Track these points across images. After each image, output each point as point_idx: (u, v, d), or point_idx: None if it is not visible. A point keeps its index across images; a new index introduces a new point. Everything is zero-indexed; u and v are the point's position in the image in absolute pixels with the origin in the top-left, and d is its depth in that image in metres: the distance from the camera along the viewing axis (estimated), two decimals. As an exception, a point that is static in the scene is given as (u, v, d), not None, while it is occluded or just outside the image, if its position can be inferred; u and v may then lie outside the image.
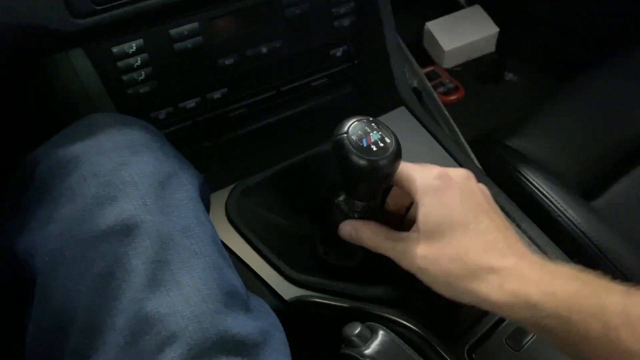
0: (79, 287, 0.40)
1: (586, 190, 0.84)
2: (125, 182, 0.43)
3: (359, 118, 0.50)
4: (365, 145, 0.48)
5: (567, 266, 0.45)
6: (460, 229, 0.46)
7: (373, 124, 0.50)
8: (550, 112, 0.92)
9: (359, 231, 0.53)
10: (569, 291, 0.42)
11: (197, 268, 0.42)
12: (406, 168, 0.50)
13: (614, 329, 0.39)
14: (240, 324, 0.41)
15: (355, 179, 0.51)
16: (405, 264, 0.49)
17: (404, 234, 0.50)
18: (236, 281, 0.45)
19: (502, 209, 0.57)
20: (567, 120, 0.91)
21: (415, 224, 0.49)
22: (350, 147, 0.48)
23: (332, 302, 0.56)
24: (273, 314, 0.47)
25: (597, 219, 0.75)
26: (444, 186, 0.48)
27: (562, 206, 0.74)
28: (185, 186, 0.46)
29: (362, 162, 0.48)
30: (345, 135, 0.49)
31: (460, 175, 0.50)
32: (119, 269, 0.40)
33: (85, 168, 0.44)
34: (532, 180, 0.78)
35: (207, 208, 0.50)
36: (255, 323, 0.43)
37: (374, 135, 0.49)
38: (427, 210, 0.47)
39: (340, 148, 0.49)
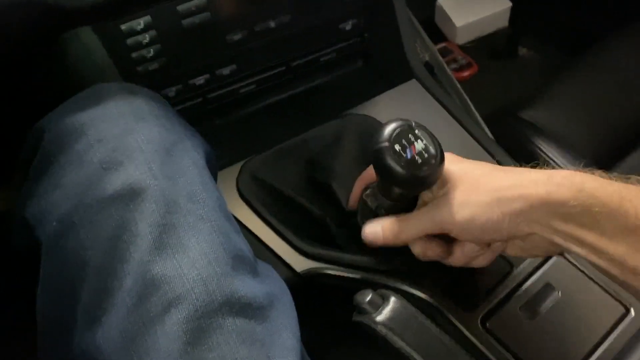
0: (87, 251, 0.41)
1: (600, 161, 0.82)
2: (131, 148, 0.43)
3: (401, 124, 0.47)
4: (409, 157, 0.46)
5: None
6: (489, 166, 0.47)
7: (417, 131, 0.47)
8: (563, 84, 0.91)
9: (386, 231, 0.51)
10: (622, 184, 0.42)
11: (203, 232, 0.42)
12: None
13: None
14: (248, 287, 0.41)
15: (396, 187, 0.49)
16: (444, 213, 0.46)
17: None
18: (243, 246, 0.45)
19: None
20: (580, 92, 0.90)
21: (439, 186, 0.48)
22: (394, 157, 0.45)
23: (344, 274, 0.56)
24: (280, 278, 0.48)
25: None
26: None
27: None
28: (190, 153, 0.46)
29: (407, 174, 0.45)
30: (387, 144, 0.46)
31: None
32: (125, 233, 0.40)
33: (91, 134, 0.44)
34: (546, 152, 0.77)
35: (215, 175, 0.50)
36: (262, 286, 0.43)
37: (418, 145, 0.46)
38: (450, 170, 0.47)
39: (382, 159, 0.46)
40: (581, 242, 0.42)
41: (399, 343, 0.43)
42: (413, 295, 0.54)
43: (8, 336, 0.75)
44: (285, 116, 0.72)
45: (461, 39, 1.34)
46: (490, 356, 0.52)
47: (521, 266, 0.57)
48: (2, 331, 0.76)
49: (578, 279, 0.57)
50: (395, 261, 0.56)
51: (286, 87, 0.74)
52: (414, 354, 0.43)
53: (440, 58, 0.89)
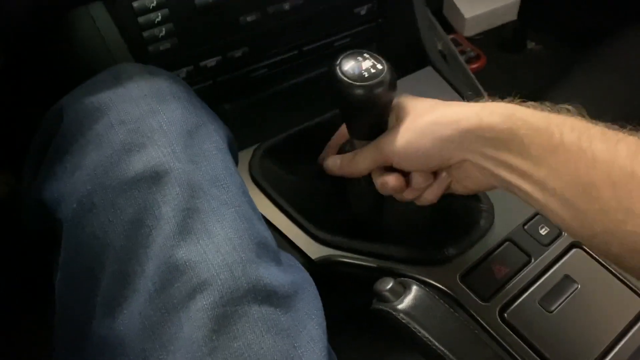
0: (108, 235, 0.39)
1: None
2: (154, 130, 0.42)
3: (352, 50, 0.50)
4: (357, 72, 0.48)
5: None
6: (440, 103, 0.49)
7: (365, 54, 0.50)
8: (575, 78, 0.90)
9: (343, 160, 0.54)
10: (552, 112, 0.43)
11: (227, 217, 0.40)
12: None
13: (587, 140, 0.40)
14: (273, 275, 0.40)
15: (351, 108, 0.51)
16: (386, 142, 0.50)
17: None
18: (267, 233, 0.44)
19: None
20: (591, 87, 0.89)
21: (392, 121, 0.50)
22: (343, 75, 0.48)
23: (360, 262, 0.55)
24: (303, 269, 0.46)
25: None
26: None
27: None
28: (213, 137, 0.45)
29: (356, 89, 0.48)
30: (337, 65, 0.49)
31: None
32: (148, 216, 0.39)
33: (113, 115, 0.42)
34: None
35: (236, 161, 0.49)
36: (286, 275, 0.41)
37: (366, 63, 0.49)
38: (402, 105, 0.50)
39: (333, 77, 0.49)
40: (510, 168, 0.43)
41: (421, 332, 0.42)
42: (429, 284, 0.53)
43: (8, 335, 0.74)
44: (297, 101, 0.71)
45: (469, 30, 1.32)
46: (508, 348, 0.51)
47: (540, 258, 0.56)
48: (1, 331, 0.75)
49: (597, 272, 0.56)
50: (411, 250, 0.54)
51: (298, 72, 0.73)
52: (437, 343, 0.42)
53: (453, 46, 0.88)
